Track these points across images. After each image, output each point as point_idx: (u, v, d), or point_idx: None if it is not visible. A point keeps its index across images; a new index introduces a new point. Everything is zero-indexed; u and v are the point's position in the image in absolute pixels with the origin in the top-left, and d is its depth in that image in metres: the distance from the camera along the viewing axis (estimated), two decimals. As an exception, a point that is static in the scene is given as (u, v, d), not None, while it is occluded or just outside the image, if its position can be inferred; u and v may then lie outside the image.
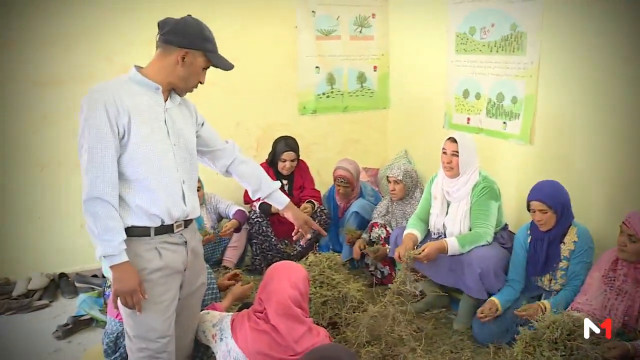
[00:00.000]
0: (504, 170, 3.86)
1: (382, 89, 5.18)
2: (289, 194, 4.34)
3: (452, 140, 3.36)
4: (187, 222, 2.28)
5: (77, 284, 4.01)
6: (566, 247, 3.00)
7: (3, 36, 3.80)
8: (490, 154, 3.94)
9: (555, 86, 3.47)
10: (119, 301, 2.10)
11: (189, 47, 2.12)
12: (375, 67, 5.12)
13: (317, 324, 3.10)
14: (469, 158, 3.35)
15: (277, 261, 3.97)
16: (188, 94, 2.29)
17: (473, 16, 4.03)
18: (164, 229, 2.17)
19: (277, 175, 4.33)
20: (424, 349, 2.97)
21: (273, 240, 4.15)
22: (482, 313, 3.08)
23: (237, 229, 4.09)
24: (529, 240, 3.14)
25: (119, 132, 2.03)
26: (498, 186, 3.39)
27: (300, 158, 4.44)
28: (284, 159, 4.26)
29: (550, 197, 2.97)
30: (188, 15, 2.21)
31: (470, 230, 3.32)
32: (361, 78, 5.09)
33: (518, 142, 3.76)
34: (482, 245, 3.23)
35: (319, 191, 4.44)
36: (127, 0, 4.07)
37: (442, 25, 4.32)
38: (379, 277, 3.90)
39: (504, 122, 3.87)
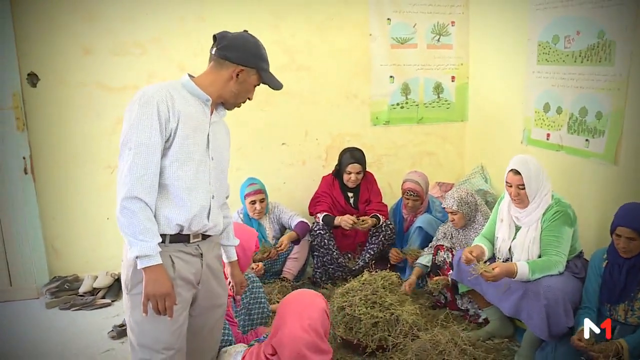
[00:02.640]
0: (584, 192, 3.54)
1: (460, 101, 4.94)
2: (355, 207, 4.22)
3: (515, 172, 3.07)
4: (205, 236, 2.23)
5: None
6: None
7: (78, 44, 3.95)
8: (569, 173, 3.64)
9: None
10: (147, 305, 2.04)
11: (245, 64, 2.15)
12: (453, 78, 4.89)
13: (365, 346, 2.99)
14: (538, 185, 3.07)
15: (338, 275, 3.98)
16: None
17: (556, 23, 3.73)
18: (180, 238, 2.13)
19: (342, 187, 4.23)
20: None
21: (335, 253, 4.04)
22: (579, 340, 2.70)
23: (296, 242, 4.01)
24: (604, 265, 2.82)
25: (166, 135, 2.04)
26: (573, 210, 3.09)
27: (370, 170, 4.31)
28: (349, 172, 4.15)
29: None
30: (245, 30, 2.23)
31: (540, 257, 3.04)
32: (438, 89, 4.88)
33: (601, 161, 3.42)
34: (553, 275, 2.95)
35: (386, 205, 4.28)
36: (198, 9, 4.13)
37: (523, 33, 4.05)
38: (442, 301, 3.68)
39: (587, 140, 3.54)
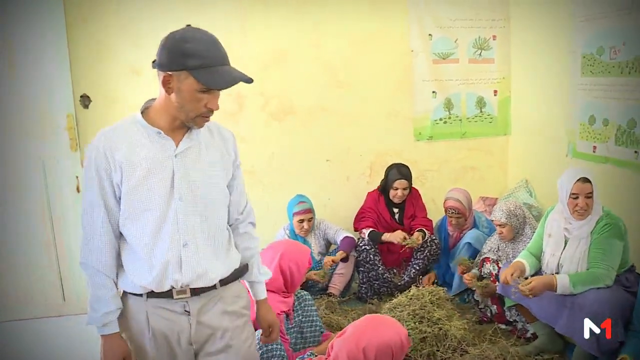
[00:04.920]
0: (634, 205, 3.48)
1: (502, 115, 4.93)
2: (400, 223, 4.25)
3: (584, 180, 3.03)
4: (198, 290, 1.88)
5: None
6: None
7: (127, 66, 4.10)
8: (618, 186, 3.60)
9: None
10: None
11: (169, 68, 1.73)
12: (495, 92, 4.89)
13: (414, 361, 3.00)
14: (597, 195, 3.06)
15: (384, 291, 3.99)
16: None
17: (601, 35, 3.71)
18: (159, 294, 1.86)
19: (388, 203, 4.26)
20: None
21: (380, 269, 4.05)
22: None
23: (345, 259, 4.05)
24: None
25: (114, 192, 1.81)
26: (624, 223, 3.05)
27: (413, 186, 4.33)
28: (395, 187, 4.18)
29: None
30: (187, 25, 1.84)
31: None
32: (480, 103, 4.88)
33: (652, 173, 3.38)
34: (600, 289, 2.91)
35: (431, 220, 4.29)
36: (239, 27, 4.22)
37: (566, 45, 4.03)
38: (489, 315, 3.66)
39: (636, 152, 3.49)
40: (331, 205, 4.64)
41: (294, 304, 3.08)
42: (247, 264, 2.09)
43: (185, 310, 1.88)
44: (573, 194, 3.04)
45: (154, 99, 1.87)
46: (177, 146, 1.84)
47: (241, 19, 4.22)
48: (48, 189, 3.98)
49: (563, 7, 4.05)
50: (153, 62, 1.78)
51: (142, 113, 1.85)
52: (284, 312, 2.80)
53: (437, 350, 3.02)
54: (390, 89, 4.66)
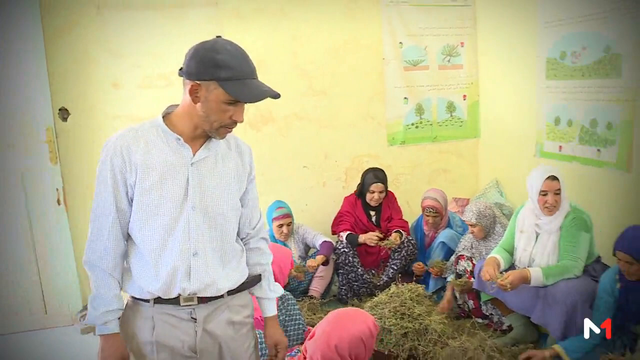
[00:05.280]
0: (598, 200, 3.67)
1: (472, 118, 5.11)
2: (377, 225, 4.37)
3: (553, 178, 3.21)
4: (205, 299, 1.88)
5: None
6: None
7: (107, 79, 4.16)
8: (584, 183, 3.79)
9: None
10: None
11: (199, 77, 1.73)
12: (464, 96, 5.07)
13: (396, 356, 3.11)
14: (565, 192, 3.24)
15: (363, 291, 4.10)
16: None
17: (564, 40, 3.91)
18: (166, 300, 1.85)
19: (365, 206, 4.38)
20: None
21: (359, 270, 4.17)
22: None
23: (325, 262, 4.15)
24: (618, 287, 2.88)
25: (127, 192, 1.81)
26: (589, 217, 3.23)
27: (389, 189, 4.46)
28: (372, 191, 4.31)
29: (638, 249, 2.70)
30: (217, 36, 1.81)
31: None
32: (450, 107, 5.06)
33: (614, 169, 3.57)
34: (570, 279, 3.08)
35: (407, 222, 4.43)
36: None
37: (531, 51, 4.23)
38: (466, 310, 3.80)
39: (598, 150, 3.68)
40: (309, 210, 4.74)
41: (277, 305, 3.16)
42: (259, 275, 2.08)
43: (192, 317, 1.87)
44: (542, 191, 3.21)
45: (176, 105, 1.87)
46: (194, 154, 1.84)
47: (218, 31, 4.30)
48: (28, 201, 4.01)
49: (528, 14, 4.24)
50: (180, 69, 1.78)
51: (163, 118, 1.86)
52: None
53: (418, 345, 3.14)
54: (364, 96, 4.81)
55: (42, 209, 4.04)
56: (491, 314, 3.65)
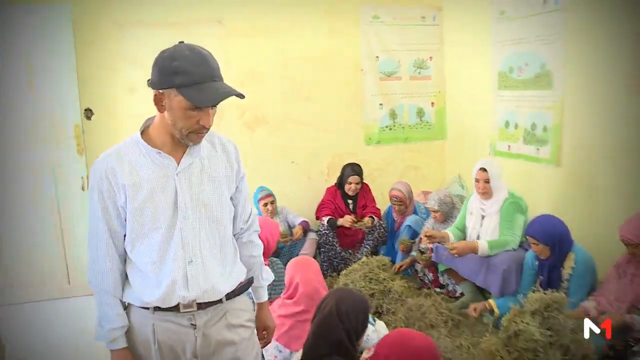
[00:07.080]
0: (538, 189, 4.39)
1: (439, 122, 5.79)
2: (354, 212, 5.08)
3: (483, 170, 3.95)
4: (204, 304, 1.88)
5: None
6: (565, 272, 3.41)
7: (125, 83, 4.81)
8: (527, 175, 4.50)
9: (579, 116, 3.97)
10: None
11: (160, 86, 1.71)
12: (432, 103, 5.73)
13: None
14: (498, 181, 3.96)
15: (341, 267, 4.79)
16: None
17: (511, 57, 4.63)
18: (166, 308, 1.85)
19: (343, 196, 5.09)
20: (449, 333, 3.58)
21: (338, 249, 4.88)
22: (474, 310, 3.64)
23: (305, 233, 4.90)
24: (537, 263, 3.59)
25: (119, 214, 1.81)
26: (524, 202, 3.96)
27: (364, 181, 5.17)
28: (350, 182, 5.01)
29: (541, 233, 3.42)
30: (180, 42, 1.80)
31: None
32: (420, 113, 5.71)
33: (548, 164, 4.29)
34: (508, 251, 3.81)
35: (379, 209, 5.13)
36: (216, 46, 4.90)
37: (488, 65, 4.91)
38: (427, 282, 4.51)
39: (537, 148, 4.41)
40: (295, 198, 5.40)
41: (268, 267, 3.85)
42: (252, 277, 2.12)
43: (192, 324, 1.87)
44: (476, 179, 3.98)
45: (153, 117, 1.85)
46: (178, 164, 1.83)
47: (220, 45, 4.90)
48: (57, 187, 4.66)
49: (484, 34, 4.94)
50: (148, 80, 1.77)
51: (142, 133, 1.84)
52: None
53: (383, 303, 3.84)
54: (344, 102, 5.47)
55: (69, 194, 4.68)
56: (447, 284, 4.36)
